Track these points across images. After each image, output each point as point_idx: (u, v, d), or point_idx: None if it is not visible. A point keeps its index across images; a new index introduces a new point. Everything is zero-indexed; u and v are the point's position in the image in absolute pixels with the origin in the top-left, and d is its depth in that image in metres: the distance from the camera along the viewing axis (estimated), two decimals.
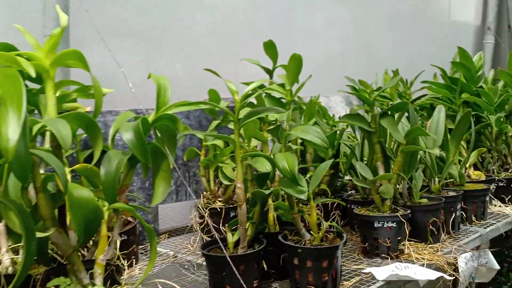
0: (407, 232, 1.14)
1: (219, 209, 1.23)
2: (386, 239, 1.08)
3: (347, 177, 1.49)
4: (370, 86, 2.47)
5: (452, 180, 1.43)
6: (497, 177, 1.60)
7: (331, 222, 1.30)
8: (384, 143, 1.21)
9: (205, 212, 1.23)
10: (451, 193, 1.31)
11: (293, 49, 2.22)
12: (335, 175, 1.43)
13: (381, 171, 1.19)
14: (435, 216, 1.18)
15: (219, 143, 1.26)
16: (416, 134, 1.14)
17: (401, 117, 1.28)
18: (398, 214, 1.08)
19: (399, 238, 1.09)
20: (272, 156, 0.89)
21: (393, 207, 1.14)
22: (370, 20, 2.60)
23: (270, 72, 1.39)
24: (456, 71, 1.93)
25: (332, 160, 1.06)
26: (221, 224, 1.22)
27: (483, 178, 1.54)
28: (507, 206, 1.56)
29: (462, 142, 1.63)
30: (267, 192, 0.85)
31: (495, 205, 1.55)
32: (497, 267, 1.33)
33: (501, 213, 1.49)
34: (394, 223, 1.07)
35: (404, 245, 1.10)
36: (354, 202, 1.32)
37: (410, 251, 1.08)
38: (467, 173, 1.57)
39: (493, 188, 1.53)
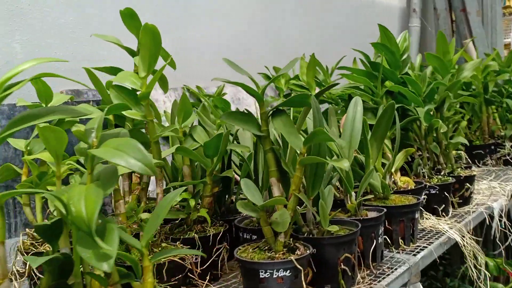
0: (310, 276, 0.82)
1: None
2: None
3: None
4: (287, 74, 2.15)
5: (380, 192, 1.12)
6: (428, 183, 1.31)
7: (215, 259, 0.96)
8: (280, 151, 0.87)
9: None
10: (372, 213, 1.00)
11: (189, 30, 1.84)
12: (225, 192, 1.09)
13: (276, 191, 0.85)
14: (348, 251, 0.86)
15: (45, 156, 0.87)
16: (319, 140, 0.81)
17: (307, 114, 0.94)
18: (292, 258, 0.74)
19: None
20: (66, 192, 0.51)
21: (290, 243, 0.81)
22: None
23: (134, 54, 1.02)
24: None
25: (179, 191, 0.69)
26: None
27: (412, 185, 1.25)
28: (440, 219, 1.28)
29: (386, 141, 1.34)
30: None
31: (427, 219, 1.27)
32: None
33: (434, 229, 1.21)
34: (288, 271, 0.74)
35: None
36: (247, 230, 0.98)
37: None
38: (393, 180, 1.27)
39: (423, 198, 1.24)
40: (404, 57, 1.43)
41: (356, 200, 1.01)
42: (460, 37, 2.99)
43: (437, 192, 1.30)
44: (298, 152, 0.82)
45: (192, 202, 0.90)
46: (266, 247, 0.82)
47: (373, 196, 1.13)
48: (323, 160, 0.78)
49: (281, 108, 0.85)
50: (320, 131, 0.78)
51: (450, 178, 1.36)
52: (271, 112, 0.85)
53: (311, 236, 0.88)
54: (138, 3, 1.59)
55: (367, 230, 0.95)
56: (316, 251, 0.85)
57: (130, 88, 0.85)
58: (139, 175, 1.02)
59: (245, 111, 0.85)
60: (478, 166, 2.09)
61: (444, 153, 1.47)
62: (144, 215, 0.83)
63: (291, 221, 0.82)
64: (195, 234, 0.90)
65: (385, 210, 1.00)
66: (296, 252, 0.78)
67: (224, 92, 1.82)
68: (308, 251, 0.78)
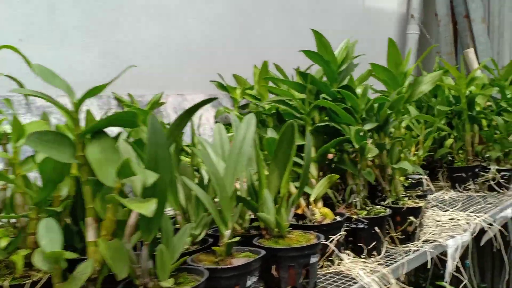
0: None
1: None
2: None
3: None
4: (246, 81, 1.97)
5: (273, 229, 0.94)
6: (354, 216, 1.12)
7: None
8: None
9: None
10: (239, 260, 0.82)
11: (125, 31, 1.69)
12: None
13: (91, 235, 0.68)
14: None
15: None
16: (127, 174, 0.64)
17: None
18: None
19: None
20: None
21: None
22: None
23: None
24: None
25: None
26: None
27: (330, 218, 1.06)
28: (364, 261, 1.08)
29: (313, 166, 1.15)
30: None
31: (347, 259, 1.07)
32: None
33: (349, 275, 1.01)
34: None
35: None
36: None
37: None
38: (312, 211, 1.09)
39: (340, 235, 1.04)
40: (343, 67, 1.23)
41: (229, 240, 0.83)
42: (462, 46, 2.74)
43: (365, 227, 1.11)
44: (112, 187, 0.66)
45: (3, 242, 0.75)
46: None
47: (268, 232, 0.94)
48: (119, 199, 0.61)
49: (100, 129, 0.69)
50: (125, 163, 0.62)
51: (387, 210, 1.16)
52: (90, 135, 0.69)
53: None
54: (61, 2, 1.46)
55: (227, 281, 0.77)
56: None
57: None
58: None
59: (54, 132, 0.68)
60: (459, 191, 1.87)
61: (389, 180, 1.27)
62: None
63: (99, 275, 0.66)
64: (6, 282, 0.74)
65: (261, 254, 0.82)
66: None
67: (162, 101, 1.66)
68: None
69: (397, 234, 1.21)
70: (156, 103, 1.61)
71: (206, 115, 1.81)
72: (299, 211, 1.09)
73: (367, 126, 1.20)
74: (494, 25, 2.69)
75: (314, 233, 0.96)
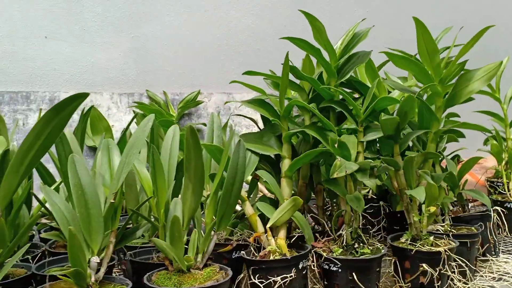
0: None
1: None
2: None
3: None
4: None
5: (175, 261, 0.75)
6: (325, 254, 0.84)
7: None
8: None
9: None
10: None
11: (155, 26, 1.60)
12: None
13: None
14: None
15: None
16: None
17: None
18: None
19: None
20: None
21: None
22: None
23: None
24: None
25: None
26: None
27: (280, 253, 0.82)
28: None
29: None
30: None
31: None
32: None
33: None
34: None
35: None
36: None
37: None
38: (270, 245, 0.85)
39: (284, 280, 0.79)
40: (345, 58, 0.95)
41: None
42: None
43: (339, 270, 0.83)
44: None
45: None
46: None
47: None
48: None
49: None
50: None
51: (381, 250, 0.85)
52: None
53: None
54: None
55: None
56: None
57: None
58: None
59: None
60: None
61: (408, 209, 0.94)
62: None
63: None
64: None
65: None
66: None
67: (200, 100, 1.54)
68: None
69: (406, 285, 0.88)
70: (191, 102, 1.50)
71: (256, 117, 1.63)
72: (251, 240, 0.87)
73: (369, 136, 0.90)
74: None
75: (228, 272, 0.74)
